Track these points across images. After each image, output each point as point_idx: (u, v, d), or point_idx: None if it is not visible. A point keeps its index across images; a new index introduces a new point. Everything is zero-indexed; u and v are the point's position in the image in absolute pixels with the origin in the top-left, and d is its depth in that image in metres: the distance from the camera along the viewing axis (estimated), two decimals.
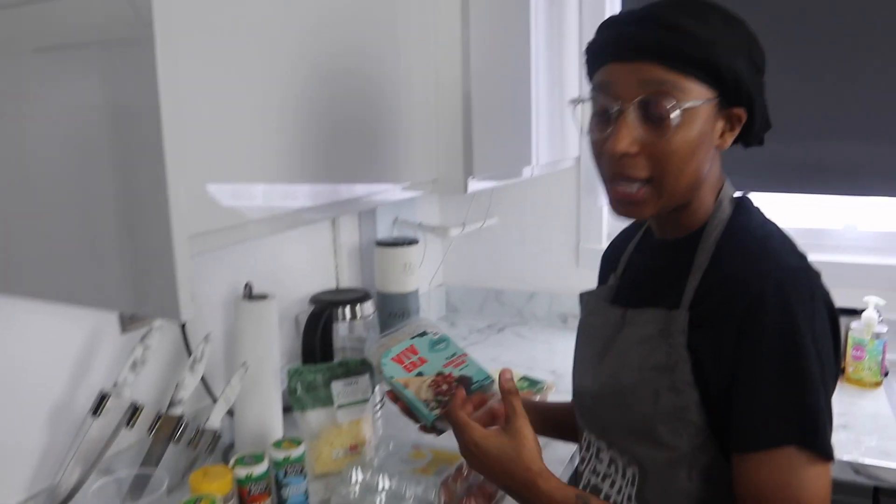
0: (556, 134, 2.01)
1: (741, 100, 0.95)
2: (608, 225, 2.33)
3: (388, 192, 1.36)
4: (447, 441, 1.49)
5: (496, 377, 1.10)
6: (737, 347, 0.90)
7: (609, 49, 0.95)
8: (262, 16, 1.01)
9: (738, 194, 1.04)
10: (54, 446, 1.23)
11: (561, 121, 2.05)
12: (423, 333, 1.18)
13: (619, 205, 0.98)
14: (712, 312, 0.93)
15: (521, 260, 2.44)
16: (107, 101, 0.86)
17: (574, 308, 2.35)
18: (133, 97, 0.84)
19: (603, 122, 0.96)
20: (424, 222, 2.24)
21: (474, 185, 1.53)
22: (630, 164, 0.94)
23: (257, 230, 1.05)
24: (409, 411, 1.14)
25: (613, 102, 0.93)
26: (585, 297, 1.18)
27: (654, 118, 0.91)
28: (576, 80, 2.16)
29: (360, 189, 1.25)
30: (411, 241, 1.97)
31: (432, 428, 1.12)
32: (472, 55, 1.45)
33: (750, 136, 1.00)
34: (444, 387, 1.12)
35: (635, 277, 1.11)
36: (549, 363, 2.04)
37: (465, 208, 2.40)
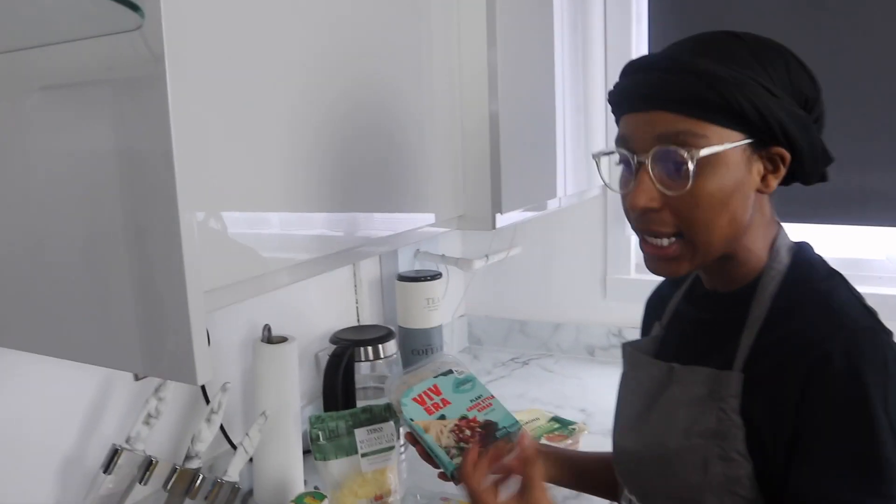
0: (581, 163, 1.94)
1: (778, 139, 0.86)
2: (636, 254, 2.25)
3: (414, 231, 1.30)
4: None
5: (523, 418, 1.03)
6: (797, 418, 0.82)
7: (624, 98, 0.90)
8: (282, 48, 0.95)
9: (796, 240, 0.96)
10: (65, 503, 1.17)
11: (586, 150, 1.98)
12: (449, 372, 1.11)
13: (652, 262, 0.92)
14: (769, 376, 0.85)
15: (546, 290, 2.37)
16: (115, 143, 0.81)
17: (601, 340, 2.30)
18: (143, 138, 0.78)
19: (626, 176, 0.91)
20: (447, 254, 2.18)
21: (502, 221, 1.47)
22: (655, 220, 0.88)
23: (279, 280, 0.99)
24: (429, 456, 1.07)
25: (632, 156, 0.88)
26: (628, 349, 1.09)
27: (672, 170, 0.85)
28: (602, 107, 2.09)
29: (384, 230, 1.18)
30: (434, 276, 1.90)
31: (452, 477, 1.04)
32: (499, 85, 1.39)
33: (803, 173, 0.92)
34: (468, 432, 1.05)
35: (683, 330, 1.03)
36: (580, 401, 1.97)
37: (488, 239, 2.34)
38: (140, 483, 1.16)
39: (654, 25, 2.11)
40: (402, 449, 1.66)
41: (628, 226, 2.15)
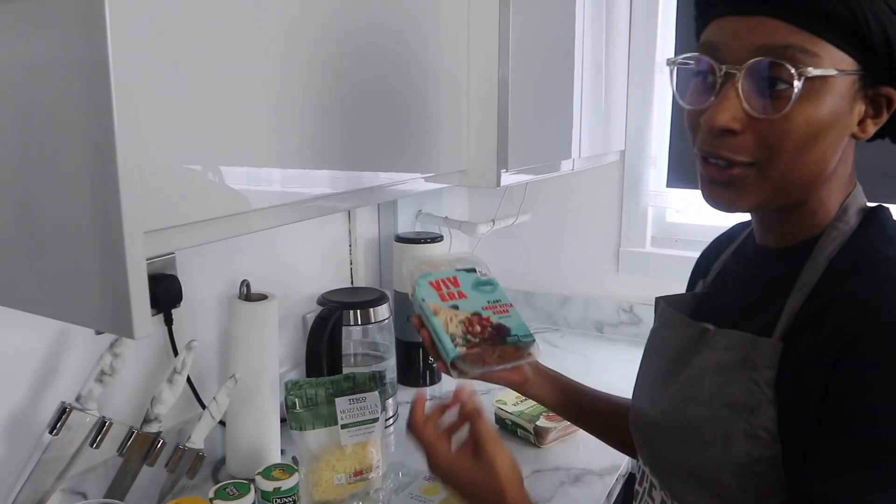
0: (599, 125, 1.81)
1: (894, 76, 0.73)
2: (652, 226, 2.12)
3: (410, 183, 1.17)
4: None
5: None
6: (826, 393, 0.70)
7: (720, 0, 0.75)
8: None
9: (871, 205, 0.83)
10: (11, 463, 1.07)
11: (606, 110, 1.84)
12: (472, 270, 1.05)
13: (710, 187, 0.79)
14: (813, 346, 0.72)
15: (555, 261, 2.24)
16: (50, 58, 0.69)
17: (611, 316, 2.18)
18: (78, 51, 0.66)
19: (703, 90, 0.77)
20: (451, 216, 2.06)
21: (507, 179, 1.34)
22: (730, 144, 0.75)
23: (246, 224, 0.87)
24: (432, 344, 0.98)
25: (719, 65, 0.74)
26: (661, 304, 0.97)
27: (768, 87, 0.72)
28: (624, 64, 1.95)
29: (377, 178, 1.06)
30: (435, 238, 1.78)
31: (453, 366, 0.96)
32: (511, 34, 1.25)
33: None
34: (478, 328, 0.98)
35: (724, 289, 0.91)
36: (584, 378, 1.81)
37: (496, 202, 2.21)
38: (92, 446, 1.05)
39: None
40: (389, 421, 1.55)
41: (645, 196, 2.07)
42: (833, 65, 0.71)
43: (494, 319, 0.99)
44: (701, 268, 1.02)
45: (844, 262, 0.76)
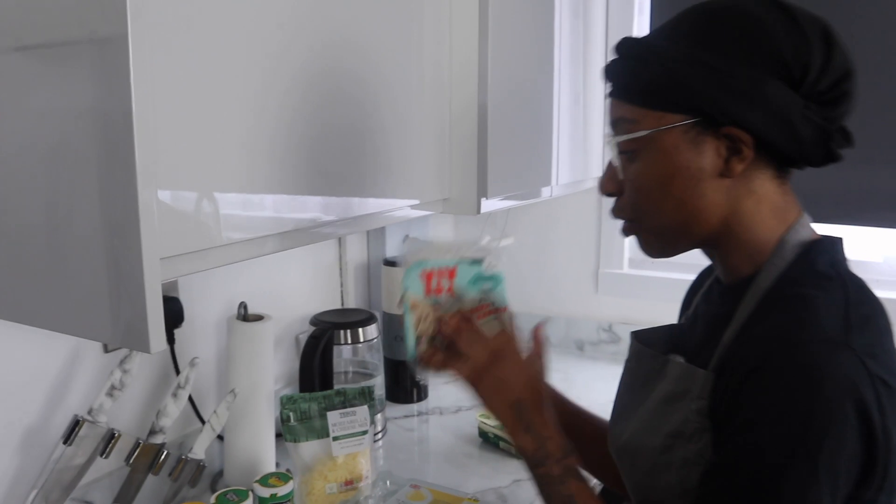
0: (577, 152, 1.91)
1: (723, 119, 0.79)
2: (630, 249, 2.22)
3: (396, 211, 1.26)
4: (450, 482, 1.40)
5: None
6: (720, 430, 0.79)
7: None
8: (260, 14, 0.92)
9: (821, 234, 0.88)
10: (26, 473, 1.14)
11: (584, 138, 1.94)
12: (479, 261, 0.96)
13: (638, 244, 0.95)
14: (730, 380, 0.79)
15: (536, 282, 2.33)
16: (76, 103, 0.78)
17: (591, 335, 2.26)
18: (104, 98, 0.75)
19: None
20: (437, 241, 2.15)
21: (488, 206, 1.43)
22: (616, 206, 0.91)
23: (247, 251, 0.95)
24: None
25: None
26: (633, 339, 1.03)
27: (619, 156, 0.88)
28: (601, 93, 2.06)
29: (363, 207, 1.15)
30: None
31: (408, 361, 0.94)
32: (489, 67, 1.35)
33: (797, 155, 0.81)
34: (450, 331, 0.92)
35: (694, 323, 0.97)
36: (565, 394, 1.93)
37: (479, 227, 2.31)
38: (101, 456, 1.13)
39: (656, 12, 2.07)
40: (378, 435, 1.63)
41: None
42: (649, 126, 0.83)
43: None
44: (686, 300, 1.08)
45: (770, 302, 0.81)
